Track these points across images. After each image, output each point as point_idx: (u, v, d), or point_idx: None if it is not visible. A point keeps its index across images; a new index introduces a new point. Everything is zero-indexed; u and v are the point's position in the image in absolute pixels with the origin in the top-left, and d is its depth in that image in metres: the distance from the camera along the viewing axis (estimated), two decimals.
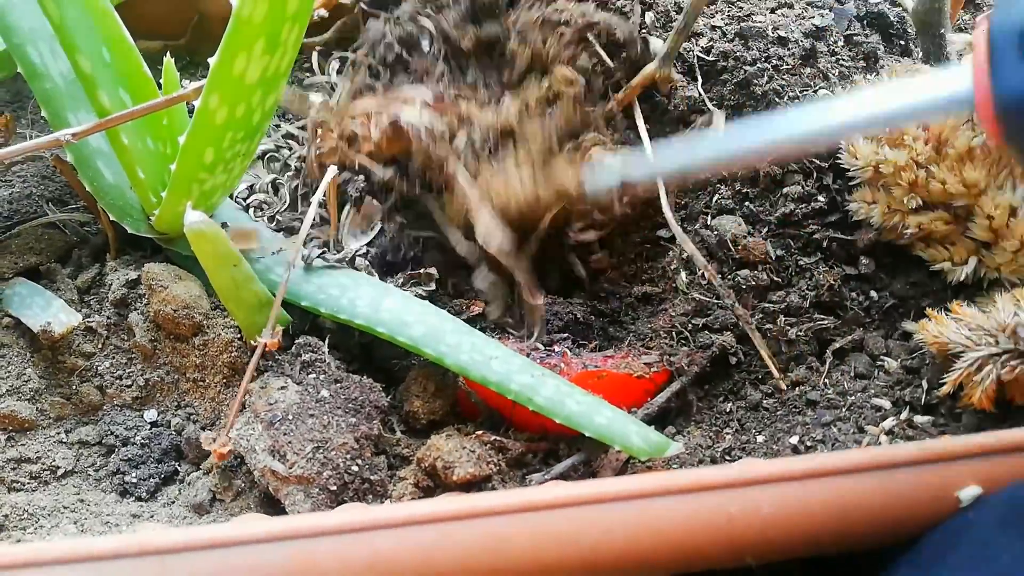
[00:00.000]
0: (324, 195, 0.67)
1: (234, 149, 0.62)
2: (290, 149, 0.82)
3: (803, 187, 0.71)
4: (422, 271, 0.70)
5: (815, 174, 0.72)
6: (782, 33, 0.75)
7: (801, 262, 0.71)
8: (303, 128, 0.84)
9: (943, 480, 0.47)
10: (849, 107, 0.48)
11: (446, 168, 0.69)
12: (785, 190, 0.72)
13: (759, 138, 0.52)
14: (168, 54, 0.65)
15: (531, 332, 0.70)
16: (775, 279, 0.70)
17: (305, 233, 0.64)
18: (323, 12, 0.80)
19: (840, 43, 0.78)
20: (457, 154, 0.70)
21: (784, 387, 0.66)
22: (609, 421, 0.59)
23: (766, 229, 0.72)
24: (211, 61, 0.54)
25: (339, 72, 0.84)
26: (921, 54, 0.78)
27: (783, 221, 0.71)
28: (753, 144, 0.52)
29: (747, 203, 0.73)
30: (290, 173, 0.79)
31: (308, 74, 0.88)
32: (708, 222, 0.72)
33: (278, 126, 0.84)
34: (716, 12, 0.78)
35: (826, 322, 0.69)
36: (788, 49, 0.75)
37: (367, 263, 0.70)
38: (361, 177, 0.73)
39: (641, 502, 0.46)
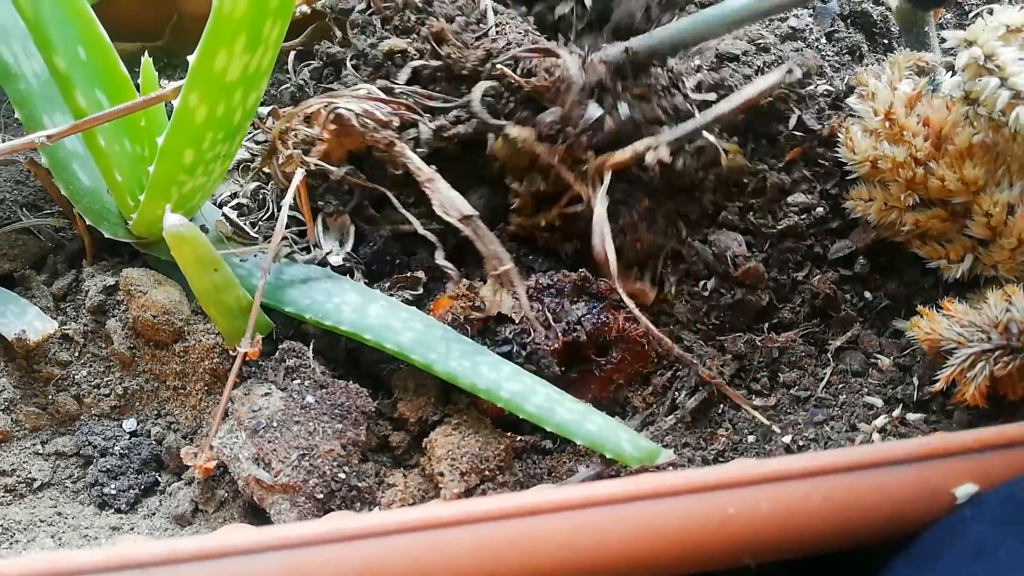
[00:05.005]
0: (295, 200, 0.65)
1: (215, 150, 0.60)
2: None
3: (807, 196, 0.70)
4: (409, 275, 0.69)
5: (821, 181, 0.71)
6: (761, 43, 0.75)
7: (797, 277, 0.70)
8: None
9: (939, 477, 0.46)
10: None
11: (392, 150, 0.65)
12: (789, 199, 0.71)
13: None
14: (146, 54, 0.64)
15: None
16: (769, 306, 0.69)
17: (279, 238, 0.62)
18: (304, 8, 0.79)
19: (823, 41, 0.78)
20: (406, 139, 0.67)
21: (766, 420, 0.65)
22: (599, 428, 0.58)
23: (767, 244, 0.70)
24: (190, 58, 0.53)
25: (310, 77, 0.82)
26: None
27: (785, 234, 0.70)
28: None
29: (750, 215, 0.71)
30: (272, 182, 0.77)
31: (287, 76, 0.86)
32: (707, 236, 0.71)
33: (255, 133, 0.83)
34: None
35: (816, 328, 0.68)
36: (771, 55, 0.74)
37: (361, 267, 0.69)
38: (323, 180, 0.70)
39: (637, 504, 0.45)
